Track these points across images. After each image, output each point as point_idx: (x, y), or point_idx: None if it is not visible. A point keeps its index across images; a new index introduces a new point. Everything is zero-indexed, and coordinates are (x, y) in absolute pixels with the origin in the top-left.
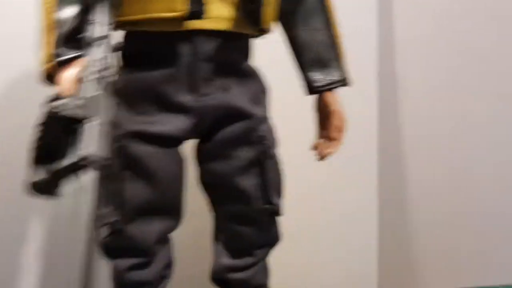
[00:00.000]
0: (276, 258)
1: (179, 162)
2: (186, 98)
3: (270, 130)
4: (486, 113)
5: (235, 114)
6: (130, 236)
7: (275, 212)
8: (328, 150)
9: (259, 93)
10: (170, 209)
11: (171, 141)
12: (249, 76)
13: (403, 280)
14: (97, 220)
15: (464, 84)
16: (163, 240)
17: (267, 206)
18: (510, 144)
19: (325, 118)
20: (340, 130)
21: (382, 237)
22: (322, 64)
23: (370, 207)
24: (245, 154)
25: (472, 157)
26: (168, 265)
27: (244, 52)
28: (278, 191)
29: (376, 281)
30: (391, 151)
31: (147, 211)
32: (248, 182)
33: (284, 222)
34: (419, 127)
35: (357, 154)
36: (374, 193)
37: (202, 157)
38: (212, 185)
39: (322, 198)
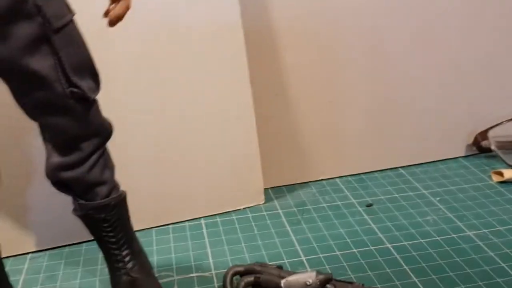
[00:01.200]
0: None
1: None
2: None
3: (49, 1)
4: None
5: None
6: None
7: (82, 95)
8: (115, 13)
9: None
10: None
11: None
12: None
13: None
14: None
15: None
16: None
17: (71, 89)
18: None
19: None
20: None
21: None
22: None
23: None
24: (24, 30)
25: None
26: None
27: None
28: (83, 72)
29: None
30: (259, 40)
31: None
32: (40, 64)
33: (171, 113)
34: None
35: (226, 46)
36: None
37: None
38: (5, 74)
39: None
